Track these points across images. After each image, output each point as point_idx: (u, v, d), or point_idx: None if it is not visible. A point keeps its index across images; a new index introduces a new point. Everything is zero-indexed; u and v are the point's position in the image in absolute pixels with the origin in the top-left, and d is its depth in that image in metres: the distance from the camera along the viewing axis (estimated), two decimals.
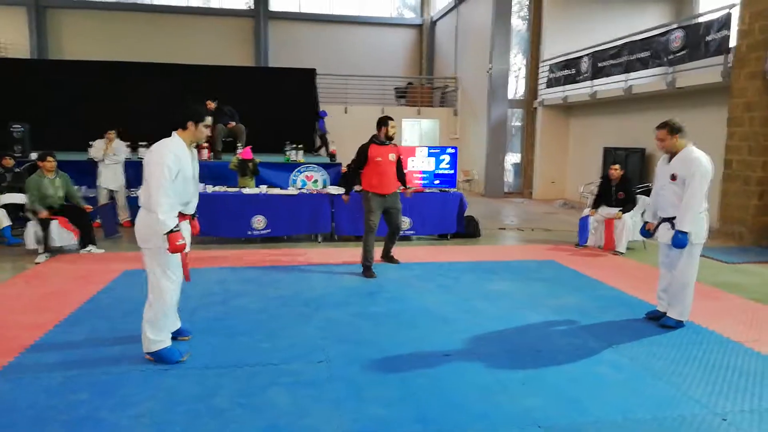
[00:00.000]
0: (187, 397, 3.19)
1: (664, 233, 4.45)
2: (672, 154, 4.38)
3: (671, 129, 4.29)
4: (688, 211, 4.21)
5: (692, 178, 4.19)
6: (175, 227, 3.40)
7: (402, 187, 6.61)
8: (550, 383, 3.45)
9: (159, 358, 3.63)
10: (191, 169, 3.61)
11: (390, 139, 6.21)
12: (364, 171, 6.20)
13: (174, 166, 3.42)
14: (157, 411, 3.02)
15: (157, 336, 3.63)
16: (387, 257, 6.82)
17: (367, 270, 6.21)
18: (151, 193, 3.39)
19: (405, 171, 6.79)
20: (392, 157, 6.23)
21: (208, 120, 3.65)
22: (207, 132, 3.67)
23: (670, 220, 4.37)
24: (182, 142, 3.57)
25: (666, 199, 4.41)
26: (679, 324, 4.48)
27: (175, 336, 3.92)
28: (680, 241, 4.24)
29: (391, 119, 6.25)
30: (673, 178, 4.29)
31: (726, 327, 4.55)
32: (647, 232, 4.67)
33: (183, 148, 3.55)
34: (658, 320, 4.60)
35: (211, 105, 10.54)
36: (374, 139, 6.21)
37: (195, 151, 3.79)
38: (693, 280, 4.44)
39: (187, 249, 3.65)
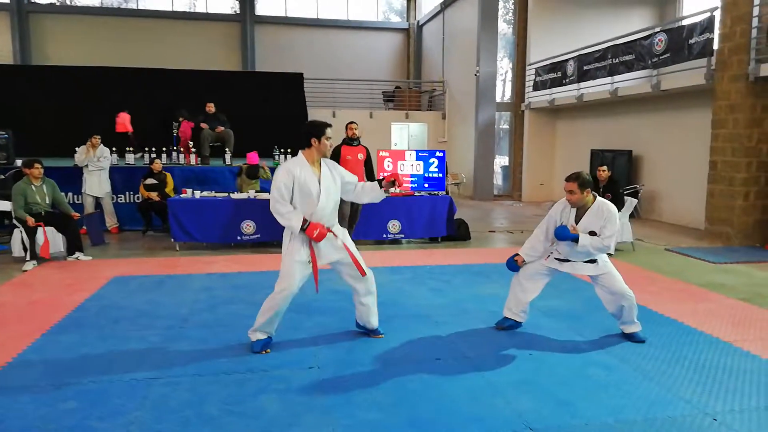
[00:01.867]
0: (178, 404, 3.16)
1: (581, 267, 4.20)
2: (580, 208, 4.17)
3: (581, 183, 4.06)
4: (596, 248, 4.04)
5: (605, 226, 4.04)
6: (304, 224, 3.73)
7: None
8: (542, 385, 3.46)
9: (250, 346, 4.01)
10: (314, 185, 3.78)
11: (356, 139, 7.33)
12: None
13: (287, 181, 3.74)
14: (147, 420, 2.99)
15: (255, 327, 3.98)
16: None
17: None
18: (272, 208, 3.80)
19: (380, 171, 8.12)
20: (360, 156, 7.34)
21: (329, 132, 3.84)
22: (330, 144, 3.87)
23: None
24: (304, 159, 3.82)
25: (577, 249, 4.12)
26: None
27: (368, 333, 4.31)
28: (563, 232, 4.06)
29: (353, 123, 7.45)
30: (593, 234, 4.07)
31: (715, 327, 4.60)
32: (515, 264, 4.40)
33: (303, 165, 3.80)
34: (506, 329, 4.47)
35: (211, 108, 10.49)
36: (345, 140, 7.34)
37: (332, 165, 3.96)
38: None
39: (322, 261, 3.91)
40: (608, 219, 4.08)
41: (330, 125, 3.89)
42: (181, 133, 10.97)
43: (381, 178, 4.15)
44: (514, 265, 4.42)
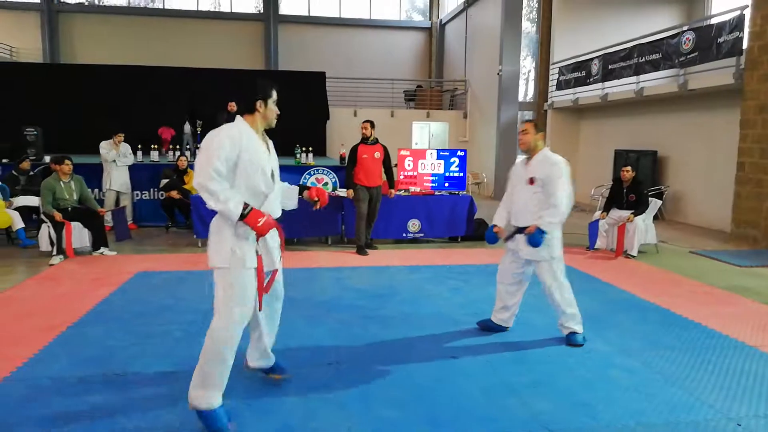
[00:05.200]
0: None
1: (525, 246, 4.06)
2: (529, 157, 4.14)
3: (537, 125, 4.12)
4: (554, 212, 3.92)
5: (551, 180, 3.92)
6: (245, 209, 2.73)
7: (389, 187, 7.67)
8: (561, 387, 3.44)
9: (201, 417, 2.87)
10: (264, 158, 2.90)
11: (369, 138, 7.36)
12: (355, 167, 7.32)
13: (231, 154, 2.75)
14: (170, 412, 3.04)
15: (207, 386, 2.85)
16: (366, 243, 7.56)
17: (360, 249, 7.40)
18: (199, 185, 2.72)
19: (401, 170, 8.16)
20: (377, 155, 7.37)
21: (275, 95, 3.01)
22: (277, 111, 3.02)
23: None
24: (249, 128, 2.90)
25: (523, 205, 4.09)
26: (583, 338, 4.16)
27: (268, 372, 3.41)
28: (536, 239, 3.92)
29: (367, 121, 7.48)
30: (532, 181, 4.01)
31: (740, 331, 4.51)
32: (495, 236, 4.24)
33: (247, 132, 2.87)
34: (489, 330, 4.38)
35: (233, 107, 10.62)
36: (362, 140, 7.40)
37: (270, 142, 3.11)
38: (570, 290, 4.15)
39: (276, 266, 3.04)
40: (553, 169, 3.93)
41: (276, 86, 3.02)
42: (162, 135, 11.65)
43: (307, 186, 3.36)
44: (493, 237, 4.29)
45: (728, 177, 9.21)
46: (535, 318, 4.78)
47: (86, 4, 20.10)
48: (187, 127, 11.55)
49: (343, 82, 17.47)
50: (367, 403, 3.19)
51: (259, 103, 2.93)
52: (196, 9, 20.66)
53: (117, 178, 8.78)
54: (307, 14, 21.24)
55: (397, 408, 3.13)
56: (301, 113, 14.38)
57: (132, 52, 18.74)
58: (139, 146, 9.84)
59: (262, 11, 20.78)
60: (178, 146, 10.28)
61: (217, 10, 20.99)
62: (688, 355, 3.98)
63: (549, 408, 3.16)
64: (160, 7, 20.59)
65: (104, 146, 8.73)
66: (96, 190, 9.03)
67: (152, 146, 10.06)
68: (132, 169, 9.08)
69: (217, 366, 2.83)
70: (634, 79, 11.49)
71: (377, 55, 21.03)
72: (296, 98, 14.56)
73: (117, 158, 8.72)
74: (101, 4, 20.37)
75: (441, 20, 21.23)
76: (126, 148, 8.92)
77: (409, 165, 8.34)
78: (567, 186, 3.96)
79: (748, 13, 8.67)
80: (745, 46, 8.75)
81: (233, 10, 20.95)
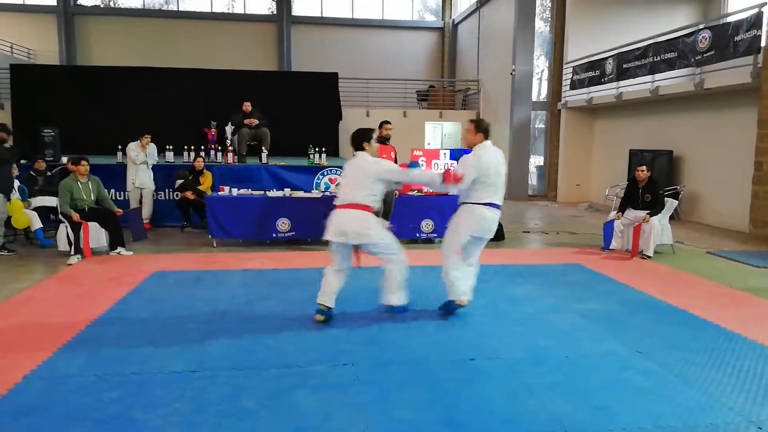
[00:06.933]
0: (215, 397, 3.23)
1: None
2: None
3: (477, 125, 4.70)
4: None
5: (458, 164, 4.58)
6: None
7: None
8: (579, 389, 3.41)
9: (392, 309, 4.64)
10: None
11: (387, 139, 7.51)
12: None
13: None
14: (187, 411, 3.06)
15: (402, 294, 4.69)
16: None
17: None
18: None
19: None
20: (392, 155, 7.49)
21: (375, 134, 4.45)
22: (377, 145, 4.40)
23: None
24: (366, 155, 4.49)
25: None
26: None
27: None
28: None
29: (388, 122, 7.61)
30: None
31: (759, 333, 4.45)
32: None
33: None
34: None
35: (248, 106, 10.67)
36: (380, 140, 7.31)
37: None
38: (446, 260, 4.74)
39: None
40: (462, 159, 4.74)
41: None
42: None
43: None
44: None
45: (746, 177, 9.10)
46: (554, 318, 4.76)
47: (102, 6, 20.32)
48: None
49: (356, 83, 17.47)
50: (384, 404, 3.19)
51: (365, 144, 4.60)
52: (210, 10, 20.81)
53: (142, 177, 8.97)
54: (319, 15, 21.30)
55: (414, 410, 3.13)
56: (314, 114, 14.45)
57: (147, 53, 18.90)
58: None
59: (275, 12, 20.87)
60: (192, 147, 10.33)
61: (230, 11, 21.11)
62: (706, 357, 3.94)
63: (568, 410, 3.14)
64: (175, 8, 20.75)
65: (133, 148, 8.89)
66: (113, 191, 9.13)
67: (167, 147, 10.13)
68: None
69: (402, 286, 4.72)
70: (649, 78, 11.39)
71: (390, 55, 21.03)
72: (309, 99, 14.65)
73: (146, 160, 8.90)
74: (116, 6, 20.59)
75: (453, 20, 21.18)
76: (152, 148, 9.11)
77: (422, 165, 8.32)
78: (467, 169, 4.49)
79: (766, 10, 8.55)
80: (763, 44, 8.65)
81: (246, 11, 21.07)
